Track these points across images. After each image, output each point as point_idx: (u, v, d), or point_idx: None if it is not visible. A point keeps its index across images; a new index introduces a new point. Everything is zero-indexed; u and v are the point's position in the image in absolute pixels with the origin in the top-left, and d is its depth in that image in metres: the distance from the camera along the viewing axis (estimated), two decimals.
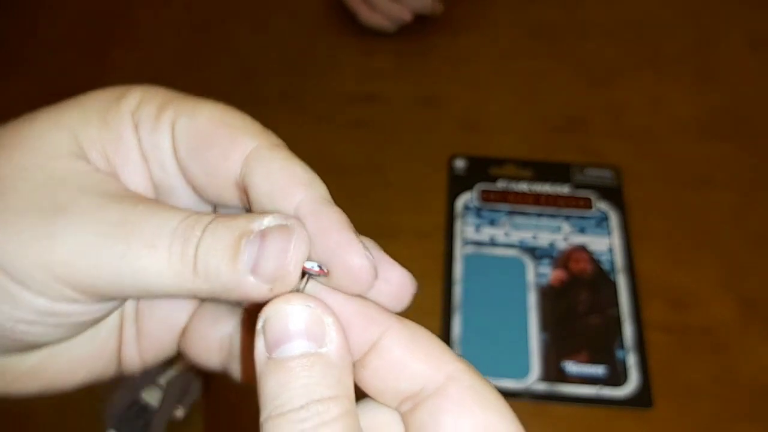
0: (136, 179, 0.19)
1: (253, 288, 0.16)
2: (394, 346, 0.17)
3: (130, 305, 0.21)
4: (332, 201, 0.18)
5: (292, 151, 0.19)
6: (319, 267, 0.17)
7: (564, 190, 0.50)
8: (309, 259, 0.17)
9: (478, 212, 0.48)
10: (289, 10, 0.62)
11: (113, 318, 0.20)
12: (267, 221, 0.17)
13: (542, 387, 0.41)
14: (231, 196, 0.19)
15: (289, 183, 0.18)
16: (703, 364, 0.42)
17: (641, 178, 0.51)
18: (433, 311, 0.44)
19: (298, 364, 0.15)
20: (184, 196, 0.19)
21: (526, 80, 0.57)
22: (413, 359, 0.17)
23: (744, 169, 0.52)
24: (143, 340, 0.21)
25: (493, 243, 0.47)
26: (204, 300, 0.19)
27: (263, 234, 0.16)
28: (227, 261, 0.16)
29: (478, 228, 0.48)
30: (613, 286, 0.45)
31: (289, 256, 0.16)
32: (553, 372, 0.42)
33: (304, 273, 0.17)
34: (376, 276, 0.18)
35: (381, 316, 0.17)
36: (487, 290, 0.45)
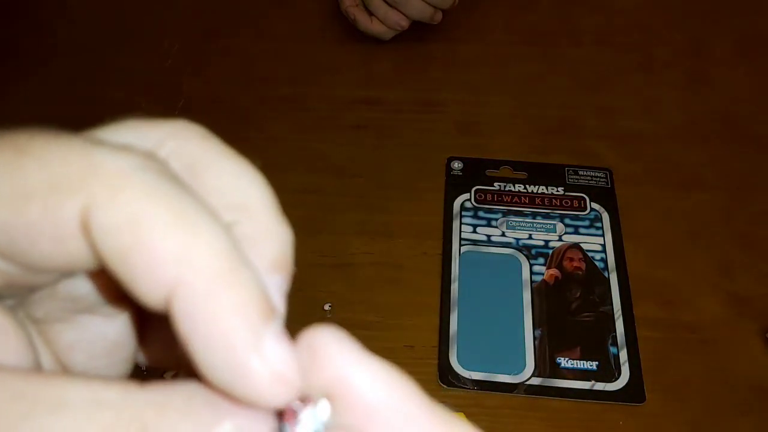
0: None
1: None
2: None
3: None
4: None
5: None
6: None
7: (558, 191, 0.51)
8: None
9: (475, 212, 0.50)
10: (292, 18, 0.63)
11: None
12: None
13: (537, 382, 0.42)
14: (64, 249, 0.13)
15: None
16: (693, 360, 0.43)
17: (633, 180, 0.52)
18: (431, 308, 0.45)
19: None
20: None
21: (521, 85, 0.58)
22: None
23: (733, 170, 0.53)
24: None
25: (489, 242, 0.48)
26: None
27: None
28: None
29: (474, 228, 0.49)
30: (605, 284, 0.46)
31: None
32: (547, 367, 0.43)
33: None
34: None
35: None
36: (484, 288, 0.46)
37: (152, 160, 0.13)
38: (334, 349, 0.12)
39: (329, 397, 0.12)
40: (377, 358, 0.12)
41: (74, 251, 0.12)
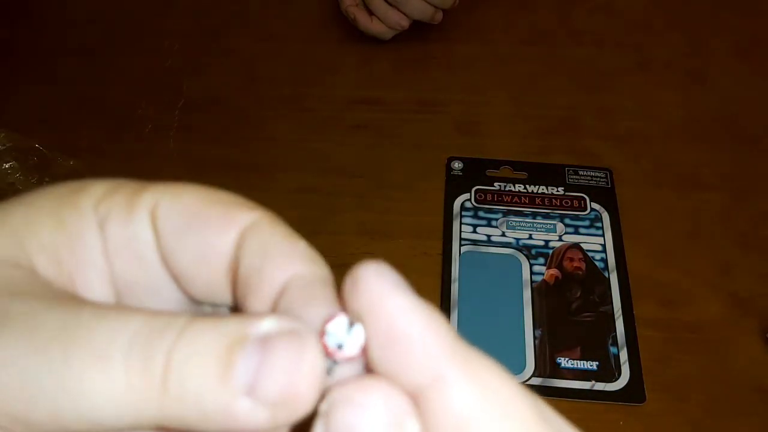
0: (96, 287, 0.15)
1: (246, 415, 0.12)
2: None
3: None
4: (331, 283, 0.15)
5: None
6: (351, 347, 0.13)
7: (558, 191, 0.51)
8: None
9: (475, 212, 0.50)
10: (292, 18, 0.63)
11: None
12: (267, 325, 0.13)
13: (537, 382, 0.42)
14: (223, 288, 0.15)
15: (286, 256, 0.15)
16: (693, 360, 0.43)
17: (633, 180, 0.52)
18: None
19: None
20: (166, 294, 0.16)
21: (521, 85, 0.58)
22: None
23: (732, 170, 0.53)
24: None
25: (489, 242, 0.48)
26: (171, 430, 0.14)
27: (264, 342, 0.12)
28: (213, 377, 0.12)
29: (474, 228, 0.49)
30: (605, 284, 0.46)
31: (301, 373, 0.12)
32: (547, 367, 0.43)
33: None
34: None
35: None
36: (484, 288, 0.46)
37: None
38: (372, 280, 0.13)
39: (363, 322, 0.13)
40: (412, 293, 0.13)
41: None
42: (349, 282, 0.13)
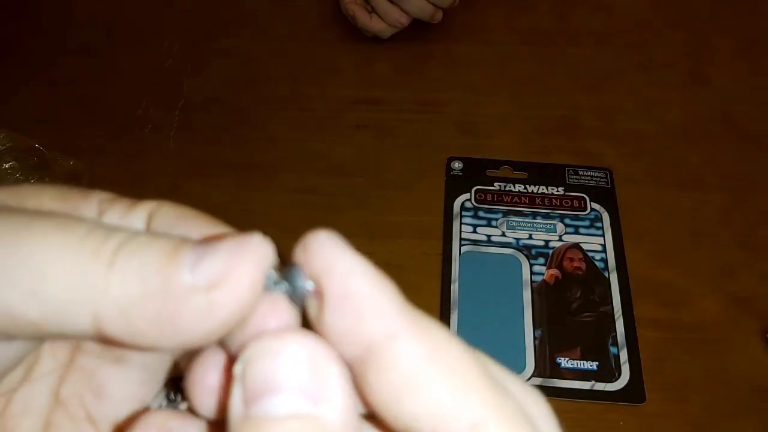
0: None
1: (185, 293, 0.12)
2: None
3: None
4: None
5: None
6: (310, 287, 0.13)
7: (558, 191, 0.51)
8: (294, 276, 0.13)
9: (475, 212, 0.50)
10: (292, 18, 0.63)
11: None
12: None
13: (537, 382, 0.42)
14: None
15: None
16: (693, 360, 0.43)
17: (633, 180, 0.52)
18: (431, 308, 0.45)
19: (284, 428, 0.11)
20: None
21: (521, 85, 0.58)
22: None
23: (733, 170, 0.53)
24: None
25: (489, 242, 0.48)
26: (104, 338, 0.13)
27: (212, 238, 0.13)
28: (158, 258, 0.13)
29: (474, 228, 0.49)
30: (605, 284, 0.46)
31: (244, 257, 0.13)
32: (547, 367, 0.43)
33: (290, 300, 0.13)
34: None
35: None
36: (484, 288, 0.46)
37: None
38: (325, 243, 0.13)
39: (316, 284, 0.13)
40: (360, 257, 0.13)
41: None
42: (300, 247, 0.13)
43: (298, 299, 0.14)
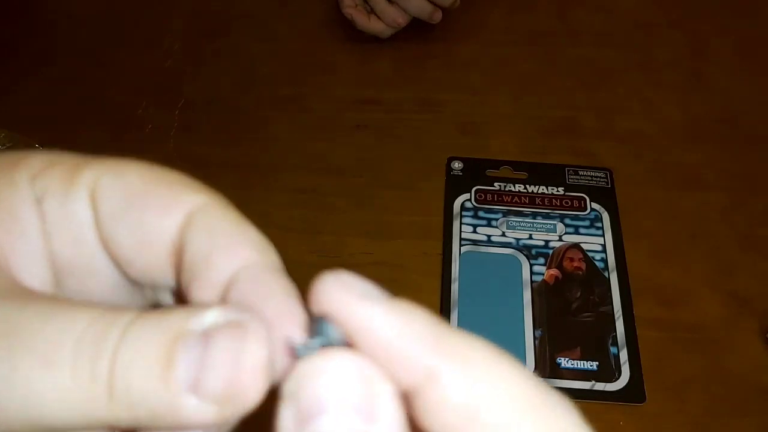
0: (33, 268, 0.14)
1: (193, 412, 0.12)
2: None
3: None
4: (283, 272, 0.14)
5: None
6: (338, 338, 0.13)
7: (558, 191, 0.51)
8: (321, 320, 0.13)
9: (475, 212, 0.50)
10: (291, 18, 0.63)
11: None
12: (210, 317, 0.12)
13: None
14: (163, 270, 0.15)
15: (235, 243, 0.14)
16: (693, 360, 0.43)
17: (633, 180, 0.52)
18: (431, 308, 0.45)
19: None
20: (104, 276, 0.15)
21: (521, 85, 0.58)
22: None
23: (732, 170, 0.53)
24: None
25: (489, 242, 0.48)
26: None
27: (206, 336, 0.12)
28: (155, 378, 0.12)
29: (474, 228, 0.49)
30: (605, 284, 0.46)
31: (244, 366, 0.12)
32: (547, 367, 0.43)
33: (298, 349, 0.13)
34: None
35: None
36: (484, 288, 0.46)
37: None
38: (332, 291, 0.13)
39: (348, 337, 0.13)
40: (379, 295, 0.13)
41: None
42: (311, 296, 0.13)
43: (338, 345, 0.13)
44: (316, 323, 0.13)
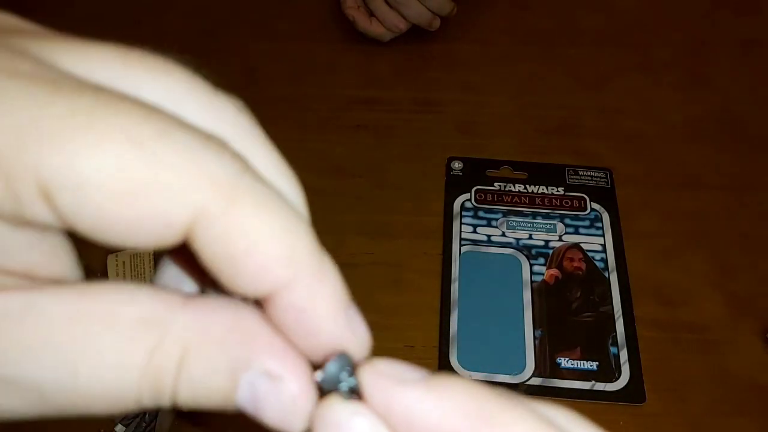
0: None
1: (239, 400, 0.13)
2: None
3: None
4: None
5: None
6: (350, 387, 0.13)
7: (558, 191, 0.51)
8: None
9: (475, 212, 0.50)
10: (292, 17, 0.63)
11: None
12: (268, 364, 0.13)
13: (537, 382, 0.42)
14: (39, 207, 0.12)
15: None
16: (693, 360, 0.43)
17: (633, 180, 0.52)
18: (431, 308, 0.45)
19: None
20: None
21: (521, 85, 0.58)
22: None
23: (733, 170, 0.53)
24: None
25: (489, 242, 0.48)
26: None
27: (272, 376, 0.13)
28: (222, 383, 0.13)
29: (475, 228, 0.49)
30: (605, 284, 0.46)
31: (297, 410, 0.13)
32: (547, 367, 0.43)
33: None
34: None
35: None
36: (484, 288, 0.46)
37: (242, 160, 0.13)
38: (377, 386, 0.13)
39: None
40: (414, 375, 0.13)
41: (170, 242, 0.13)
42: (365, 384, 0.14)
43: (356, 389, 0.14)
44: (333, 355, 0.14)
